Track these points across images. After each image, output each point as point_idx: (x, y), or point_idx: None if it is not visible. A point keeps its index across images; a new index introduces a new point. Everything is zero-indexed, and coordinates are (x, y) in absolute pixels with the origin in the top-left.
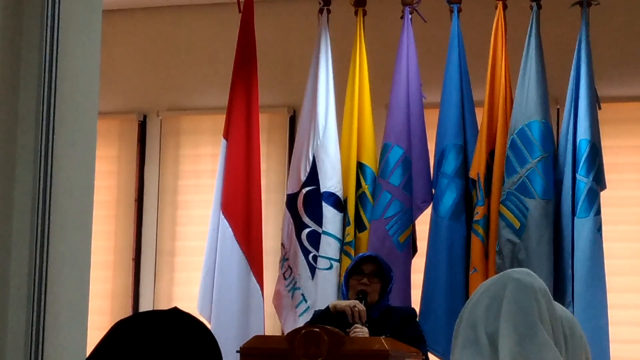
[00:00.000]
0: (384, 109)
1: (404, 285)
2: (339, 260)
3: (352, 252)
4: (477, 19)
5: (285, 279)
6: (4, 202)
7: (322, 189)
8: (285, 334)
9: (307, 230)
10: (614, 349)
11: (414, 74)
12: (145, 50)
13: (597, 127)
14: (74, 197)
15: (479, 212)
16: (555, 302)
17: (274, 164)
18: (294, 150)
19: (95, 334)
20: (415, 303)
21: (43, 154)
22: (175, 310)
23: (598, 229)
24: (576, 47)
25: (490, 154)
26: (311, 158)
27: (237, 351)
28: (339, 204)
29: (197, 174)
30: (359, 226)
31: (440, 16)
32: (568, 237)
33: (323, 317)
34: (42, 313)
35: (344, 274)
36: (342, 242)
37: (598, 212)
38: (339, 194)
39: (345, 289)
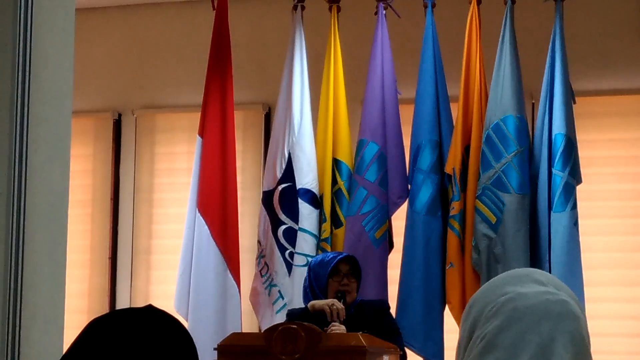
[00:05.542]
0: (359, 105)
1: (381, 281)
2: None
3: (329, 249)
4: (452, 15)
5: (262, 276)
6: None
7: (298, 186)
8: (262, 331)
9: (283, 227)
10: (591, 342)
11: (388, 70)
12: (119, 48)
13: (572, 121)
14: (49, 196)
15: (455, 207)
16: None
17: (250, 161)
18: (269, 147)
19: (71, 333)
20: (392, 299)
21: (17, 153)
22: (150, 307)
23: (574, 223)
24: (550, 41)
25: (466, 149)
26: (287, 155)
27: (215, 349)
28: (315, 200)
29: (173, 172)
30: (335, 222)
31: (415, 12)
32: (544, 231)
33: (301, 316)
34: (18, 313)
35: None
36: (319, 238)
37: (574, 206)
38: (315, 190)
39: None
